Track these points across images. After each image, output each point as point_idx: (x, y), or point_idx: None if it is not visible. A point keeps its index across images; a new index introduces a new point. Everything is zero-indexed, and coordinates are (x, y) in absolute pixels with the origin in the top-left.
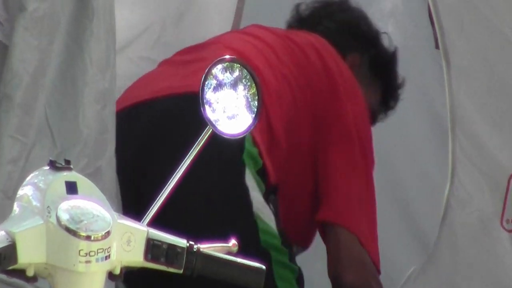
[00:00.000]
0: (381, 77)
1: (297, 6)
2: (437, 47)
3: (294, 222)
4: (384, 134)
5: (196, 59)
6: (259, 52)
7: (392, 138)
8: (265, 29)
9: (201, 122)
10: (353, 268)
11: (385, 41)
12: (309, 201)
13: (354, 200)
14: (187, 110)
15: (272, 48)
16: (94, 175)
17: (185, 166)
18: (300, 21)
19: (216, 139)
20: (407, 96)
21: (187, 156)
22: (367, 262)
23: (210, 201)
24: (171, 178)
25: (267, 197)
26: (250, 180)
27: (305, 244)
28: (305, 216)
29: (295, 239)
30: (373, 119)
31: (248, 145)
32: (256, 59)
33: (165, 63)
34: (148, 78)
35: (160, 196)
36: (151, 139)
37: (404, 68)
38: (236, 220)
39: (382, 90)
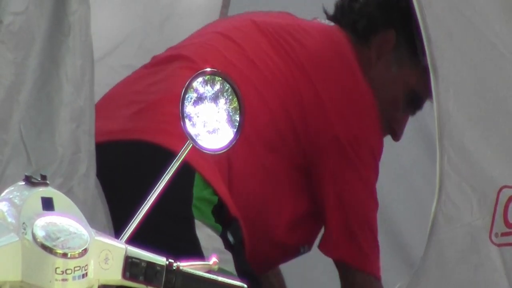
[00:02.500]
0: (421, 59)
1: None
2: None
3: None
4: None
5: (151, 84)
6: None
7: None
8: (262, 33)
9: (155, 171)
10: None
11: None
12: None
13: (370, 239)
14: (139, 159)
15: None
16: (67, 195)
17: (166, 180)
18: None
19: (164, 198)
20: None
21: (167, 171)
22: None
23: None
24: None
25: (225, 233)
26: (202, 231)
27: (309, 242)
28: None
29: (296, 243)
30: (418, 103)
31: (197, 191)
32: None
33: (134, 77)
34: (110, 102)
35: (139, 212)
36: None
37: None
38: None
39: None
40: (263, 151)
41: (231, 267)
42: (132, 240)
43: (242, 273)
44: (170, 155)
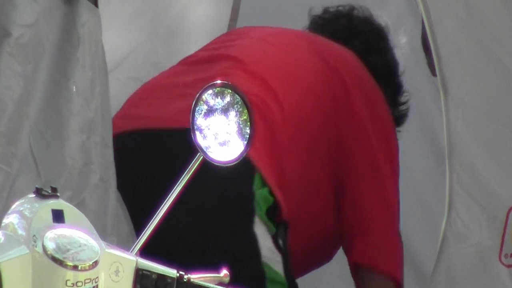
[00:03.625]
0: (386, 83)
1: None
2: (433, 74)
3: (310, 244)
4: None
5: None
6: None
7: None
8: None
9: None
10: None
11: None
12: (328, 224)
13: (390, 242)
14: None
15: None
16: (79, 207)
17: (175, 195)
18: (349, 31)
19: (227, 191)
20: (406, 123)
21: (177, 185)
22: None
23: (219, 251)
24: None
25: (277, 234)
26: (259, 227)
27: (327, 260)
28: (325, 237)
29: (314, 260)
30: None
31: (257, 187)
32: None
33: (174, 71)
34: (154, 92)
35: (149, 225)
36: (165, 172)
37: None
38: (244, 270)
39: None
40: (310, 160)
41: (280, 268)
42: (194, 234)
43: (287, 277)
44: None
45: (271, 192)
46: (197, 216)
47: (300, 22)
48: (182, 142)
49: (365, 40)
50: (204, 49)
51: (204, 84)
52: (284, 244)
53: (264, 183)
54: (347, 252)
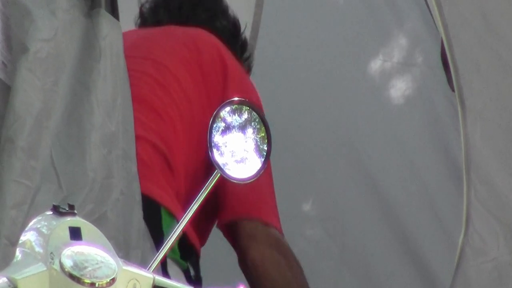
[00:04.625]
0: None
1: None
2: (453, 90)
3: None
4: (398, 180)
5: None
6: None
7: (407, 184)
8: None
9: None
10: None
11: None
12: None
13: (258, 190)
14: None
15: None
16: (99, 221)
17: (192, 212)
18: (192, 4)
19: None
20: (422, 140)
21: (194, 201)
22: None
23: None
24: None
25: (188, 269)
26: (172, 267)
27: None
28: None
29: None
30: None
31: (166, 224)
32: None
33: None
34: None
35: (166, 243)
36: None
37: (419, 112)
38: None
39: None
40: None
41: None
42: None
43: None
44: None
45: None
46: None
47: (320, 35)
48: None
49: (208, 5)
50: None
51: None
52: (197, 274)
53: (171, 215)
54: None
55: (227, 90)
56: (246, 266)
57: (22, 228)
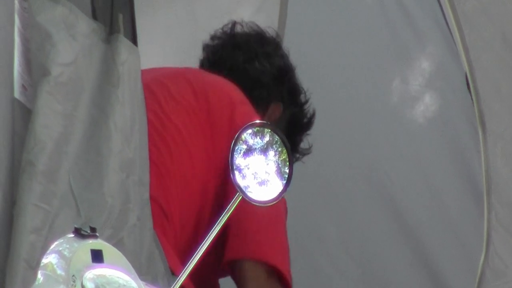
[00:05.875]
0: (294, 136)
1: (234, 25)
2: None
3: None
4: (419, 202)
5: None
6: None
7: (428, 206)
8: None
9: None
10: None
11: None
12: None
13: (261, 230)
14: None
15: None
16: (116, 247)
17: (215, 233)
18: (232, 47)
19: None
20: (444, 162)
21: (216, 223)
22: None
23: None
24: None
25: None
26: None
27: None
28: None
29: None
30: None
31: None
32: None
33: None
34: None
35: (188, 265)
36: None
37: (441, 135)
38: None
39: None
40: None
41: None
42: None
43: None
44: None
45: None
46: None
47: (342, 58)
48: None
49: (248, 48)
50: None
51: None
52: None
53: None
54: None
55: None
56: None
57: (41, 252)
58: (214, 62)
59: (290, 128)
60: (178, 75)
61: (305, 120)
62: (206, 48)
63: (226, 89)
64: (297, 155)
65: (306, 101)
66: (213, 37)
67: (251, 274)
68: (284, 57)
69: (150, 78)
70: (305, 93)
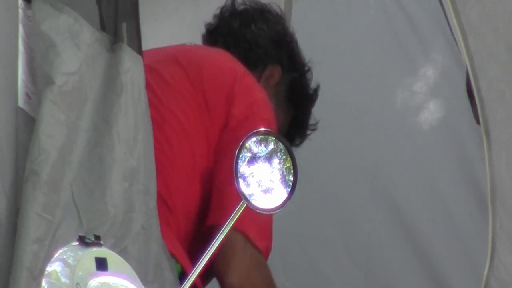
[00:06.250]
0: (295, 105)
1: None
2: (478, 122)
3: None
4: (423, 209)
5: None
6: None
7: (432, 213)
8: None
9: None
10: (242, 273)
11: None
12: None
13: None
14: None
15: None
16: (121, 255)
17: (217, 244)
18: (231, 15)
19: None
20: (448, 170)
21: (220, 232)
22: (259, 266)
23: None
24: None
25: None
26: None
27: None
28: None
29: None
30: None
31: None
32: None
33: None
34: None
35: (192, 273)
36: None
37: (446, 142)
38: None
39: (291, 120)
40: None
41: None
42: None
43: None
44: None
45: (177, 261)
46: None
47: (347, 65)
48: None
49: (246, 14)
50: None
51: None
52: None
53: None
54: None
55: (233, 105)
56: None
57: (43, 262)
58: (211, 32)
59: (292, 95)
60: (168, 58)
61: (309, 91)
62: (206, 23)
63: (221, 63)
64: (306, 131)
65: (308, 69)
66: (214, 14)
67: (228, 247)
68: (284, 25)
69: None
70: (306, 63)
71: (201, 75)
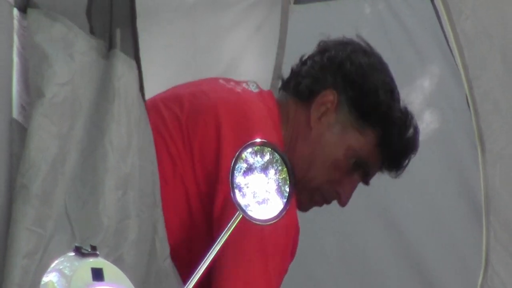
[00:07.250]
0: (374, 126)
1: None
2: None
3: None
4: (418, 220)
5: None
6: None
7: (427, 224)
8: None
9: None
10: None
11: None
12: None
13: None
14: None
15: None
16: (116, 263)
17: (214, 253)
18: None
19: None
20: (444, 181)
21: (217, 242)
22: None
23: None
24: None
25: None
26: None
27: None
28: None
29: None
30: (364, 169)
31: None
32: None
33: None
34: None
35: (189, 283)
36: None
37: (441, 152)
38: None
39: (378, 145)
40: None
41: None
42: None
43: None
44: None
45: None
46: None
47: None
48: None
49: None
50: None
51: None
52: None
53: None
54: None
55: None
56: None
57: (33, 276)
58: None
59: (357, 120)
60: (177, 97)
61: (378, 106)
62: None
63: (221, 110)
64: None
65: (377, 88)
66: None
67: None
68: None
69: (160, 98)
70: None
71: (196, 123)
